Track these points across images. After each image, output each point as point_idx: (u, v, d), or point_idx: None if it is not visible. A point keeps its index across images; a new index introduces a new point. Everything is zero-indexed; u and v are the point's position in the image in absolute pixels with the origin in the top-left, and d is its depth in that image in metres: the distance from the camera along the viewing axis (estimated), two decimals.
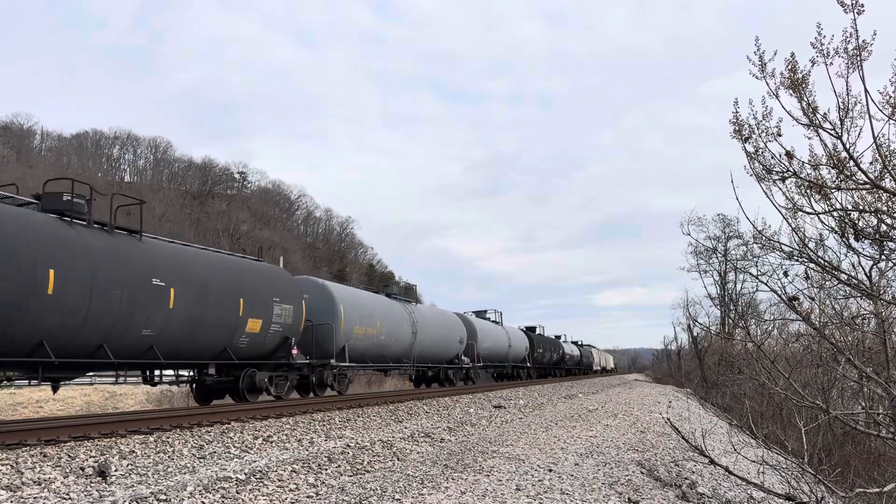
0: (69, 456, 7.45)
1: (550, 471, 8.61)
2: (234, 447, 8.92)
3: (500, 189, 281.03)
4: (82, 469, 6.84)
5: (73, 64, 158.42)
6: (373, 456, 8.94)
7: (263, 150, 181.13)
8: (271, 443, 9.56)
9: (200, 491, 6.17)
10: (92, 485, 6.30)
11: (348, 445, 9.54)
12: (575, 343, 63.96)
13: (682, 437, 9.38)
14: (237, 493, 6.31)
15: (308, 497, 6.42)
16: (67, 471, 6.74)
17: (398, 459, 8.99)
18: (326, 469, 7.80)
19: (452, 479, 7.66)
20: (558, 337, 55.11)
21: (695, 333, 51.89)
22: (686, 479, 9.47)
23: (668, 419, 11.14)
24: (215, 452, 8.44)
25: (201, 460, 7.90)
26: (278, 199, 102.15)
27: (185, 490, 6.13)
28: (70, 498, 5.76)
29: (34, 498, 5.71)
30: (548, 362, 45.49)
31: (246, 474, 7.00)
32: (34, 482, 6.23)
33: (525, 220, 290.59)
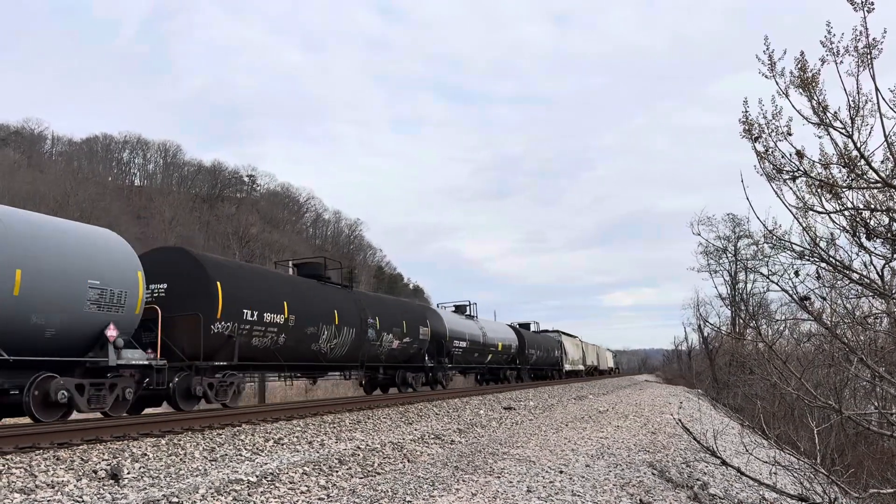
0: (82, 459, 7.49)
1: (561, 472, 8.59)
2: (246, 449, 8.95)
3: (507, 190, 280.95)
4: (95, 472, 6.88)
5: (82, 69, 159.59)
6: (383, 458, 8.95)
7: (272, 153, 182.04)
8: (282, 445, 9.58)
9: (212, 493, 6.20)
10: (105, 488, 6.33)
11: (359, 447, 9.56)
12: (521, 327, 39.01)
13: (694, 438, 9.34)
14: (249, 495, 6.33)
15: (319, 499, 6.44)
16: (80, 474, 6.78)
17: (409, 461, 8.99)
18: (337, 471, 7.81)
19: (463, 480, 7.66)
20: (460, 309, 30.60)
21: (705, 334, 51.69)
22: (698, 480, 9.44)
23: (680, 420, 11.09)
24: (227, 455, 8.47)
25: (213, 463, 7.93)
26: (287, 202, 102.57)
27: (196, 492, 6.16)
28: (83, 501, 5.80)
29: (48, 501, 5.74)
30: (364, 354, 19.71)
31: (257, 476, 7.02)
32: (48, 485, 6.27)
33: (532, 222, 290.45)
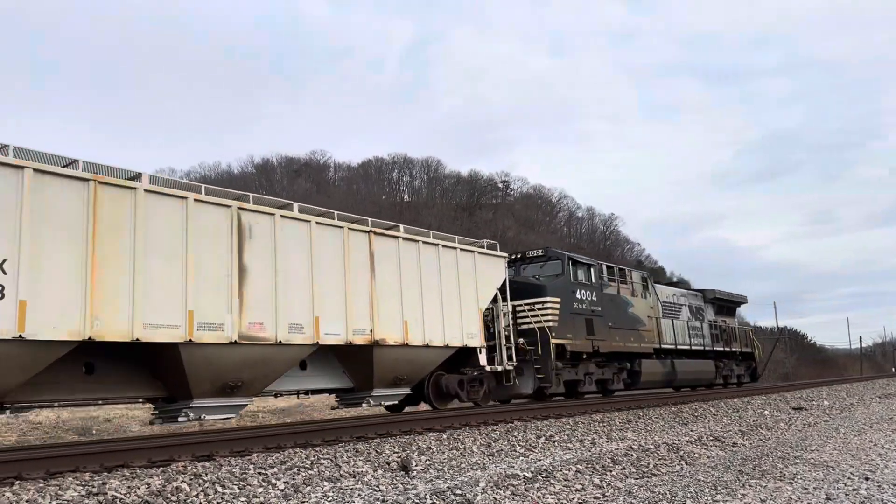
0: (377, 451, 8.27)
1: (867, 479, 7.61)
2: (519, 446, 9.22)
3: (782, 170, 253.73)
4: (388, 464, 7.55)
5: (356, 103, 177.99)
6: (658, 459, 8.66)
7: (524, 158, 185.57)
8: (553, 442, 9.72)
9: (492, 487, 6.48)
10: (397, 478, 6.93)
11: (631, 447, 9.35)
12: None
13: None
14: (525, 490, 6.51)
15: (595, 498, 6.42)
16: (376, 465, 7.49)
17: (686, 464, 8.59)
18: (611, 470, 7.72)
19: (749, 485, 7.13)
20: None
21: None
22: None
23: None
24: (502, 450, 8.81)
25: (490, 458, 8.30)
26: (540, 203, 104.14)
27: (477, 485, 6.48)
28: (380, 490, 6.40)
29: (351, 489, 6.43)
30: None
31: (532, 472, 7.19)
32: (350, 475, 7.02)
33: (814, 202, 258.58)
